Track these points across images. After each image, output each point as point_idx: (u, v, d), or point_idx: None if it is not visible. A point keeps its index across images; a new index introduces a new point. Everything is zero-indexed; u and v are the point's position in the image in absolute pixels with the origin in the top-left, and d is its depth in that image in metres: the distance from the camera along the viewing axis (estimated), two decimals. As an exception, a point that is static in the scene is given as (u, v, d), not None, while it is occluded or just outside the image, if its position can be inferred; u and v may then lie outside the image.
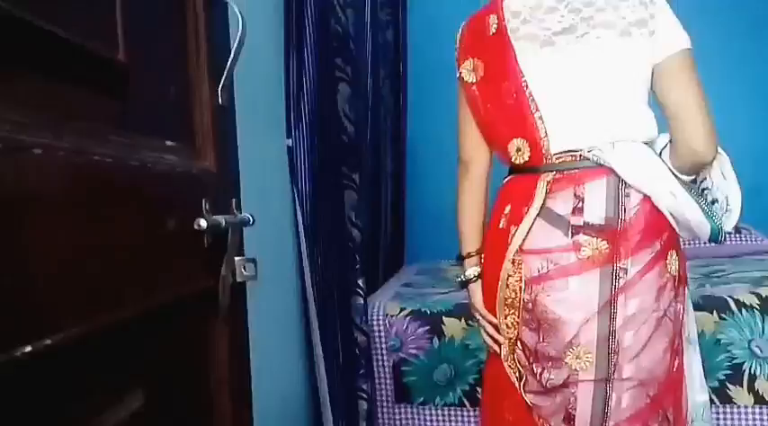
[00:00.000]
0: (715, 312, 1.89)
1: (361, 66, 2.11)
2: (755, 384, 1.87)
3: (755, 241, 2.79)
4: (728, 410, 1.89)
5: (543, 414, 1.28)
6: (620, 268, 1.20)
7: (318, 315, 1.64)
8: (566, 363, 1.24)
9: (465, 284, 1.39)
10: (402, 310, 2.06)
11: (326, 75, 1.68)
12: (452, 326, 2.00)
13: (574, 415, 1.24)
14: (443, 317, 2.02)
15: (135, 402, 0.61)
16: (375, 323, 2.03)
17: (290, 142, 1.53)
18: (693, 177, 1.26)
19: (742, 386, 1.87)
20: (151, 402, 0.64)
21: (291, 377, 1.62)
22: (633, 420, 1.23)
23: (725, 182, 1.24)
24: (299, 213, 1.56)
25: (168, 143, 0.74)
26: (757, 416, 1.88)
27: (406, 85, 3.01)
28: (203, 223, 0.74)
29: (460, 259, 1.42)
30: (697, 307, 1.62)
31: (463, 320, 1.99)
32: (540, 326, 1.25)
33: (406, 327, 2.03)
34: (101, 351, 0.58)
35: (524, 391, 1.29)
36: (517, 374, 1.30)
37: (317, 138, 1.62)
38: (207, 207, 0.79)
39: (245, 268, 0.90)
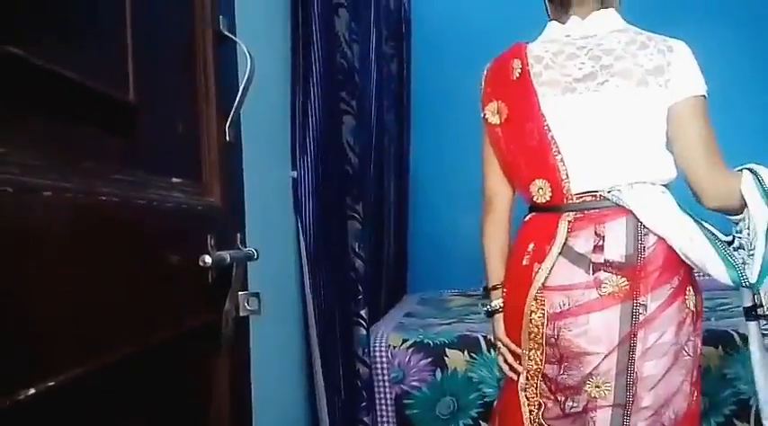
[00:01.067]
0: (720, 346, 1.87)
1: (366, 98, 2.14)
2: (762, 419, 1.84)
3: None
4: (735, 446, 1.86)
5: None
6: (640, 304, 1.23)
7: (320, 345, 1.64)
8: (585, 391, 1.27)
9: (491, 314, 1.41)
10: (404, 341, 2.05)
11: (332, 108, 1.70)
12: (455, 359, 1.99)
13: None
14: (446, 349, 2.01)
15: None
16: (377, 354, 2.02)
17: (294, 174, 1.54)
18: (736, 221, 1.27)
19: (749, 422, 1.84)
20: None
21: (293, 408, 1.60)
22: None
23: (754, 234, 1.24)
24: (302, 244, 1.57)
25: (175, 180, 0.74)
26: (765, 454, 1.85)
27: (410, 116, 3.04)
28: (208, 259, 0.74)
29: (486, 290, 1.43)
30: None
31: (466, 352, 1.97)
32: (562, 359, 1.28)
33: (409, 359, 2.01)
34: (103, 390, 0.58)
35: (543, 418, 1.31)
36: (536, 404, 1.32)
37: (322, 170, 1.63)
38: (212, 243, 0.79)
39: (248, 302, 0.90)
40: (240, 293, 0.88)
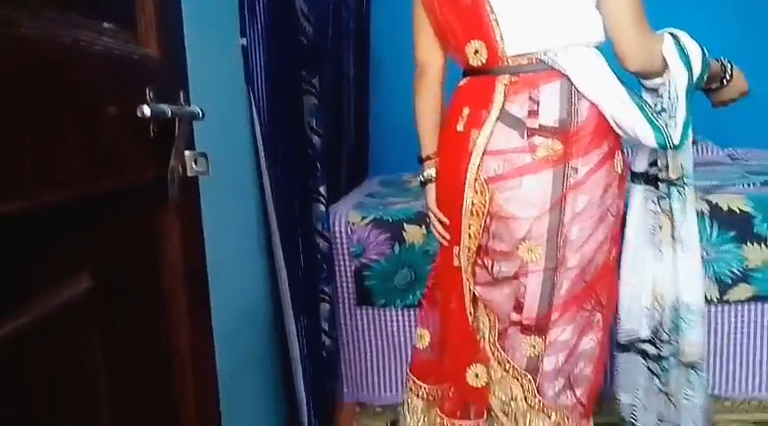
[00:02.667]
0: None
1: (321, -36, 2.01)
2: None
3: (710, 152, 2.86)
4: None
5: (492, 306, 1.37)
6: (571, 168, 1.27)
7: (278, 220, 1.64)
8: (518, 256, 1.32)
9: (424, 184, 1.44)
10: (364, 218, 2.08)
11: (282, -29, 1.60)
12: (413, 233, 2.04)
13: (523, 302, 1.33)
14: (404, 224, 2.05)
15: (83, 283, 0.61)
16: (337, 230, 2.05)
17: (244, 41, 1.47)
18: (656, 85, 1.31)
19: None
20: (101, 285, 0.65)
21: (252, 279, 1.64)
22: (570, 303, 1.35)
23: (675, 98, 1.27)
24: (255, 117, 1.53)
25: (106, 25, 0.70)
26: (698, 314, 1.99)
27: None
28: (147, 110, 0.72)
29: (420, 161, 1.45)
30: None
31: (423, 227, 2.02)
32: (491, 223, 1.32)
33: (368, 234, 2.05)
34: (44, 232, 0.57)
35: (473, 283, 1.37)
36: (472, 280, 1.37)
37: (274, 39, 1.56)
38: (151, 95, 0.76)
39: (195, 162, 0.88)
40: (187, 152, 0.86)
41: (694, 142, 2.82)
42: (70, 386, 0.59)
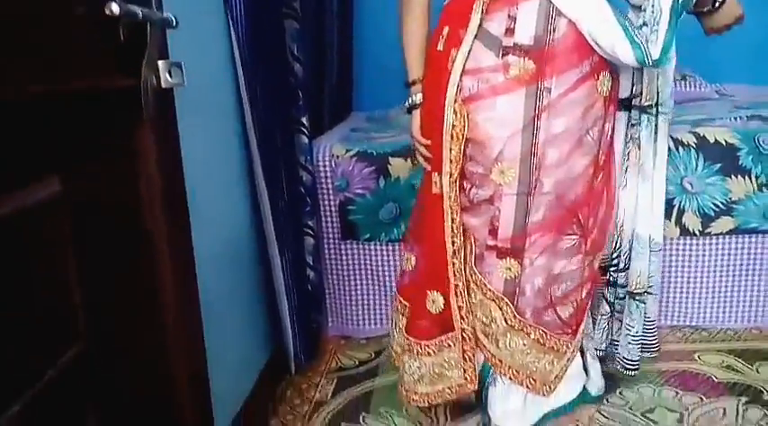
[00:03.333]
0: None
1: None
2: (683, 217, 1.98)
3: (699, 88, 2.83)
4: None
5: (471, 231, 1.37)
6: (544, 87, 1.26)
7: (260, 151, 1.60)
8: (492, 179, 1.32)
9: (410, 110, 1.41)
10: (348, 151, 2.04)
11: None
12: (398, 166, 2.00)
13: (498, 227, 1.32)
14: (389, 158, 2.01)
15: (51, 186, 0.58)
16: (321, 163, 2.02)
17: (220, -44, 1.39)
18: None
19: (670, 220, 1.97)
20: (72, 191, 0.61)
21: (234, 211, 1.61)
22: (546, 227, 1.35)
23: (658, 12, 1.23)
24: (233, 38, 1.46)
25: None
26: (681, 247, 2.01)
27: None
28: (115, 7, 0.67)
29: (406, 85, 1.42)
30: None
31: (409, 160, 1.99)
32: (469, 146, 1.31)
33: (352, 168, 2.02)
34: (8, 128, 0.53)
35: (457, 210, 1.37)
36: (457, 211, 1.37)
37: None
38: (120, -5, 0.71)
39: (170, 73, 0.84)
40: (160, 62, 0.82)
41: (684, 77, 2.82)
42: (40, 281, 0.57)
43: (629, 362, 1.65)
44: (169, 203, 0.84)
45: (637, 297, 1.59)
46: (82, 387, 0.71)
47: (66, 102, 0.62)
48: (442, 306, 1.41)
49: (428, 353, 1.45)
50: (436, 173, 1.37)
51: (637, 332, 1.61)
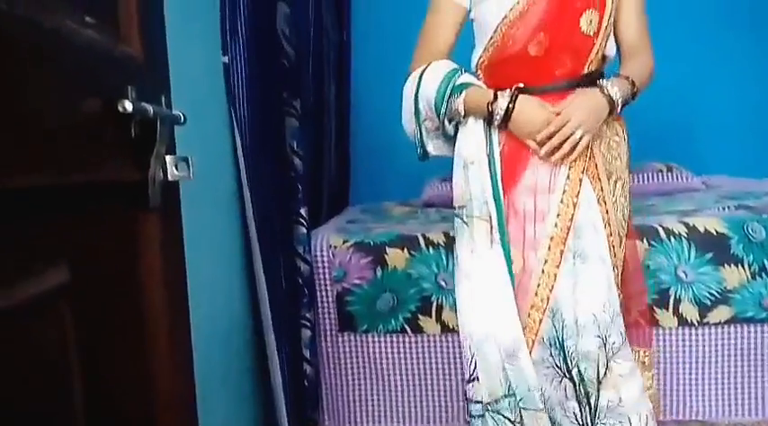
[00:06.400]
0: (645, 239, 1.97)
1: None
2: (680, 307, 1.98)
3: (685, 179, 2.90)
4: (655, 331, 1.99)
5: None
6: None
7: (260, 242, 1.62)
8: None
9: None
10: (345, 242, 2.06)
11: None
12: (395, 256, 2.02)
13: None
14: (386, 248, 2.03)
15: (60, 276, 0.59)
16: (319, 254, 2.03)
17: (226, 59, 1.47)
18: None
19: (668, 310, 1.97)
20: (78, 281, 0.62)
21: (233, 302, 1.61)
22: None
23: None
24: (237, 134, 1.52)
25: (88, 19, 0.69)
26: (680, 336, 1.99)
27: (350, 18, 2.93)
28: (128, 105, 0.71)
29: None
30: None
31: (405, 250, 2.01)
32: None
33: (349, 258, 2.04)
34: (20, 220, 0.55)
35: None
36: None
37: (256, 59, 1.57)
38: (133, 94, 0.75)
39: (177, 167, 0.87)
40: (168, 156, 0.85)
41: (670, 169, 2.90)
42: (42, 375, 0.57)
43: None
44: (171, 292, 0.85)
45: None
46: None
47: (77, 192, 0.64)
48: None
49: None
50: None
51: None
